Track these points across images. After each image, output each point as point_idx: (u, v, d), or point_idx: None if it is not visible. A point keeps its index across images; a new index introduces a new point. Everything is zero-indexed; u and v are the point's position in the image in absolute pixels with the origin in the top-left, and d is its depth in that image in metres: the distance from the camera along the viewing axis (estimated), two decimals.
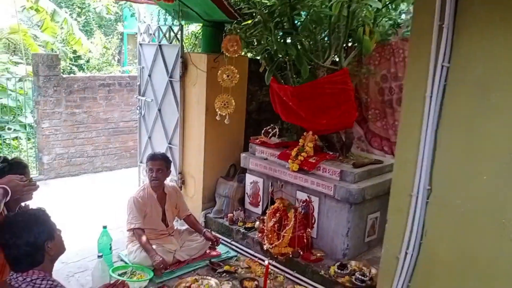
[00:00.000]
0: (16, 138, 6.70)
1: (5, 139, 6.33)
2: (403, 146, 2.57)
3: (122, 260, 3.78)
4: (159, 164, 3.77)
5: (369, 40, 3.64)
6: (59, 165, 6.12)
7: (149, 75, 4.83)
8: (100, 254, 3.28)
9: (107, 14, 10.98)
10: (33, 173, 6.04)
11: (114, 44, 11.49)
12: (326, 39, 3.87)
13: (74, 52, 9.71)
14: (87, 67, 10.35)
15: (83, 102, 6.18)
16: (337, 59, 3.72)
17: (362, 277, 3.20)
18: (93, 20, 11.04)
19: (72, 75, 8.27)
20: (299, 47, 3.59)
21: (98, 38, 10.72)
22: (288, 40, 3.72)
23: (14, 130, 6.44)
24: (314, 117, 3.72)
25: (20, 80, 6.46)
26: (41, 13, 7.68)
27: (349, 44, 4.15)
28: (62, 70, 6.53)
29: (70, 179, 6.11)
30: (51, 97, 5.85)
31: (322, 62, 3.70)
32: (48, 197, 5.22)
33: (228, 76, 3.79)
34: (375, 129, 4.39)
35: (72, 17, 9.63)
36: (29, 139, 6.68)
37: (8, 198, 2.10)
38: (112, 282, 2.19)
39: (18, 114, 6.82)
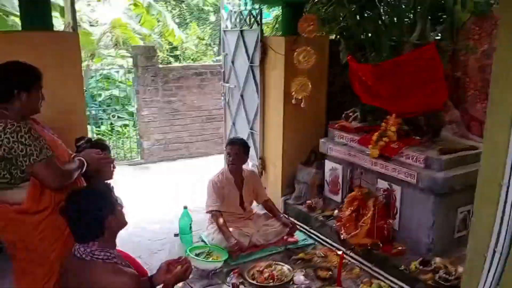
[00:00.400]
0: (125, 125, 7.39)
1: (114, 126, 7.02)
2: (492, 127, 2.20)
3: (202, 240, 3.90)
4: (236, 149, 3.79)
5: (461, 10, 3.18)
6: (158, 150, 6.57)
7: (232, 62, 4.89)
8: (177, 233, 3.42)
9: (203, 6, 11.41)
10: (136, 158, 6.60)
11: (207, 34, 11.86)
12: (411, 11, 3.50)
13: (170, 43, 10.33)
14: (183, 58, 10.93)
15: (178, 91, 6.54)
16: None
17: (447, 276, 2.86)
18: (189, 11, 11.54)
19: (168, 65, 8.81)
20: (379, 22, 3.30)
21: (193, 29, 11.22)
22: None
23: (120, 118, 7.09)
24: (398, 98, 3.40)
25: (129, 72, 7.07)
26: (139, 7, 8.28)
27: (444, 17, 3.70)
28: (160, 61, 6.96)
29: (167, 164, 6.50)
30: (150, 86, 6.28)
31: (408, 37, 3.35)
32: (148, 180, 5.67)
33: (304, 57, 3.64)
34: (474, 112, 3.86)
35: (167, 10, 10.21)
36: (134, 126, 7.31)
37: (84, 169, 2.26)
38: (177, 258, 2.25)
39: (126, 104, 7.49)
